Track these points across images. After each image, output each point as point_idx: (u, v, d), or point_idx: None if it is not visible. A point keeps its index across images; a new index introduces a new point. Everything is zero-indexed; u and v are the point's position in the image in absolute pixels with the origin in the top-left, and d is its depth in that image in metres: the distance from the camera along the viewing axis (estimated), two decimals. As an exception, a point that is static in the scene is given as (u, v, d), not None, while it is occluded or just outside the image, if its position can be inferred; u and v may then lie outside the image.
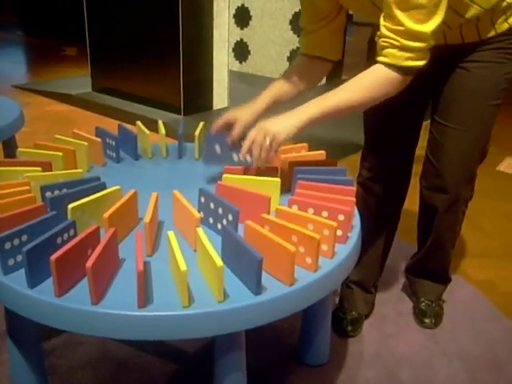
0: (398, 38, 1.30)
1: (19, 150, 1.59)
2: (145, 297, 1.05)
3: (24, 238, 1.15)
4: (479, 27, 1.51)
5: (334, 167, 1.52)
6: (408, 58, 1.32)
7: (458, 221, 1.84)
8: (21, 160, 1.53)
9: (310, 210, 1.30)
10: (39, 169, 1.47)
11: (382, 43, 1.34)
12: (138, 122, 1.83)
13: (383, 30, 1.33)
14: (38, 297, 1.08)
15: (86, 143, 1.62)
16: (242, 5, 5.62)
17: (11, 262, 1.14)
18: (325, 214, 1.28)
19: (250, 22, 5.62)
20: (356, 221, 1.39)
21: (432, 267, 1.95)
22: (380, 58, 1.36)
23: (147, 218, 1.18)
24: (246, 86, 5.25)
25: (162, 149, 1.77)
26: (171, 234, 1.14)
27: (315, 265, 1.17)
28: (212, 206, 1.30)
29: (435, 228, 1.82)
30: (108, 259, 1.12)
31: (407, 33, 1.29)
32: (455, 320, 1.96)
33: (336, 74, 5.47)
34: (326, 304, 1.60)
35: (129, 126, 1.80)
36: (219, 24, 4.16)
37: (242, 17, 5.67)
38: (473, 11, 1.45)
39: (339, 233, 1.27)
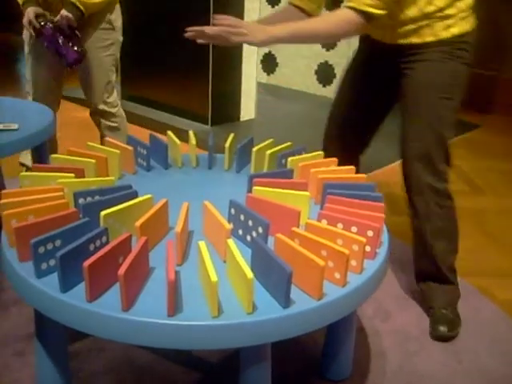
0: None
1: (53, 156, 1.62)
2: (175, 306, 1.06)
3: (57, 243, 1.17)
4: (420, 32, 1.77)
5: (363, 183, 1.52)
6: (369, 5, 1.61)
7: (435, 213, 1.89)
8: (54, 166, 1.56)
9: (340, 225, 1.30)
10: (72, 175, 1.49)
11: None
12: (169, 132, 1.85)
13: None
14: (69, 301, 1.10)
15: (118, 151, 1.64)
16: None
17: (44, 265, 1.17)
18: (354, 229, 1.29)
19: (279, 35, 5.65)
20: (384, 237, 1.39)
21: (425, 266, 2.00)
22: (347, 3, 1.65)
23: (178, 228, 1.19)
24: (273, 97, 5.27)
25: (192, 159, 1.79)
26: (202, 245, 1.15)
27: (344, 280, 1.17)
28: (242, 217, 1.31)
29: (413, 220, 1.96)
30: (139, 267, 1.13)
31: None
32: (479, 339, 1.94)
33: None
34: (351, 319, 1.59)
35: (158, 135, 1.82)
36: (248, 36, 4.19)
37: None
38: (408, 13, 1.74)
39: (368, 249, 1.27)
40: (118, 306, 1.07)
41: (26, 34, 2.70)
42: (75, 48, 2.55)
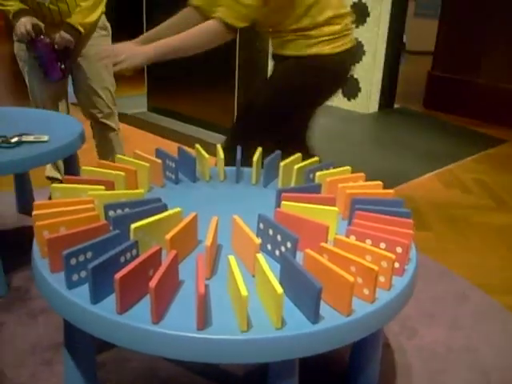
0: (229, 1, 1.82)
1: (83, 168, 1.64)
2: (204, 319, 1.07)
3: (89, 254, 1.19)
4: (285, 45, 2.05)
5: (391, 198, 1.52)
6: (233, 17, 1.83)
7: None
8: (85, 178, 1.58)
9: (368, 241, 1.30)
10: (102, 187, 1.51)
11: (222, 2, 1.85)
12: (198, 146, 1.87)
13: None
14: (100, 313, 1.11)
15: (147, 164, 1.66)
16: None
17: (75, 277, 1.18)
18: (383, 245, 1.28)
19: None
20: (412, 253, 1.39)
21: None
22: (214, 14, 1.86)
23: (208, 242, 1.20)
24: (297, 111, 5.28)
25: (219, 172, 1.80)
26: (232, 259, 1.16)
27: (372, 296, 1.17)
28: (271, 232, 1.31)
29: None
30: (169, 280, 1.14)
31: None
32: (507, 358, 1.91)
33: (388, 103, 5.45)
34: (378, 335, 1.58)
35: (185, 148, 1.84)
36: (274, 50, 4.21)
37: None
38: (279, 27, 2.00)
39: (396, 265, 1.27)
40: (147, 319, 1.08)
41: (18, 47, 2.69)
42: (62, 67, 2.59)
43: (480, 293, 2.29)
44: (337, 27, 2.01)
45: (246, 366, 1.78)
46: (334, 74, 2.11)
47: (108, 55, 1.82)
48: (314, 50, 2.00)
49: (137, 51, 1.86)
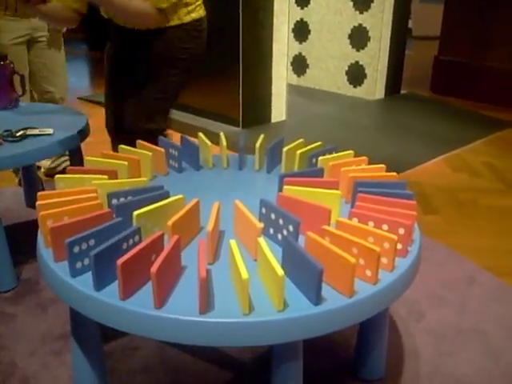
0: None
1: (87, 158, 1.65)
2: (206, 303, 1.07)
3: (91, 242, 1.20)
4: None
5: (394, 181, 1.52)
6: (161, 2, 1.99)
7: None
8: (88, 168, 1.59)
9: (371, 223, 1.30)
10: (106, 177, 1.52)
11: None
12: (200, 134, 1.87)
13: None
14: (103, 299, 1.12)
15: (150, 153, 1.67)
16: (301, 19, 5.65)
17: (79, 265, 1.19)
18: (385, 227, 1.28)
19: (309, 36, 5.65)
20: (416, 235, 1.38)
21: None
22: None
23: (210, 227, 1.21)
24: (304, 99, 5.27)
25: (223, 160, 1.81)
26: (233, 244, 1.16)
27: (375, 277, 1.16)
28: (273, 216, 1.31)
29: None
30: (171, 265, 1.15)
31: None
32: (517, 341, 1.91)
33: (394, 89, 5.42)
34: (384, 318, 1.59)
35: (189, 137, 1.84)
36: (278, 38, 4.20)
37: (301, 31, 5.70)
38: None
39: (399, 246, 1.27)
40: (150, 304, 1.08)
41: None
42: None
43: (488, 275, 2.28)
44: None
45: (254, 351, 1.79)
46: None
47: None
48: (194, 16, 2.17)
49: None
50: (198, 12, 2.18)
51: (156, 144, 1.78)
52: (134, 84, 2.20)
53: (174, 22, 2.12)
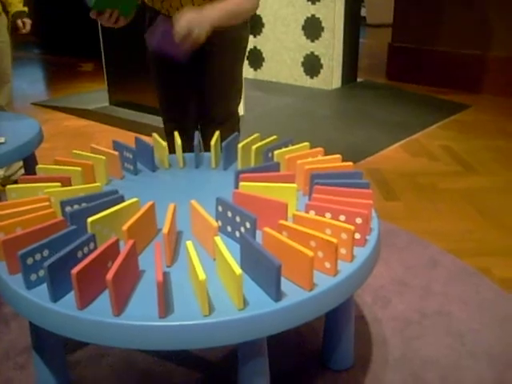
0: None
1: (39, 166, 1.62)
2: (165, 307, 1.06)
3: (45, 252, 1.17)
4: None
5: (350, 171, 1.52)
6: None
7: None
8: (41, 176, 1.56)
9: (328, 215, 1.30)
10: (59, 184, 1.49)
11: None
12: (154, 134, 1.85)
13: None
14: (60, 310, 1.10)
15: (103, 157, 1.64)
16: (255, 13, 5.63)
17: (34, 277, 1.16)
18: (342, 217, 1.28)
19: (263, 30, 5.64)
20: (374, 223, 1.39)
21: None
22: None
23: (165, 229, 1.19)
24: (262, 93, 5.26)
25: (178, 159, 1.79)
26: (190, 244, 1.15)
27: (334, 269, 1.17)
28: (229, 214, 1.30)
29: None
30: (128, 271, 1.13)
31: None
32: (481, 320, 1.94)
33: (351, 77, 5.46)
34: (349, 307, 1.59)
35: (146, 138, 1.82)
36: (232, 33, 4.18)
37: (255, 24, 5.69)
38: None
39: (357, 236, 1.27)
40: (109, 312, 1.06)
41: None
42: None
43: (451, 257, 2.32)
44: None
45: (221, 351, 1.78)
46: None
47: (185, 31, 1.71)
48: None
49: (201, 19, 1.78)
50: None
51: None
52: (217, 69, 2.17)
53: None
